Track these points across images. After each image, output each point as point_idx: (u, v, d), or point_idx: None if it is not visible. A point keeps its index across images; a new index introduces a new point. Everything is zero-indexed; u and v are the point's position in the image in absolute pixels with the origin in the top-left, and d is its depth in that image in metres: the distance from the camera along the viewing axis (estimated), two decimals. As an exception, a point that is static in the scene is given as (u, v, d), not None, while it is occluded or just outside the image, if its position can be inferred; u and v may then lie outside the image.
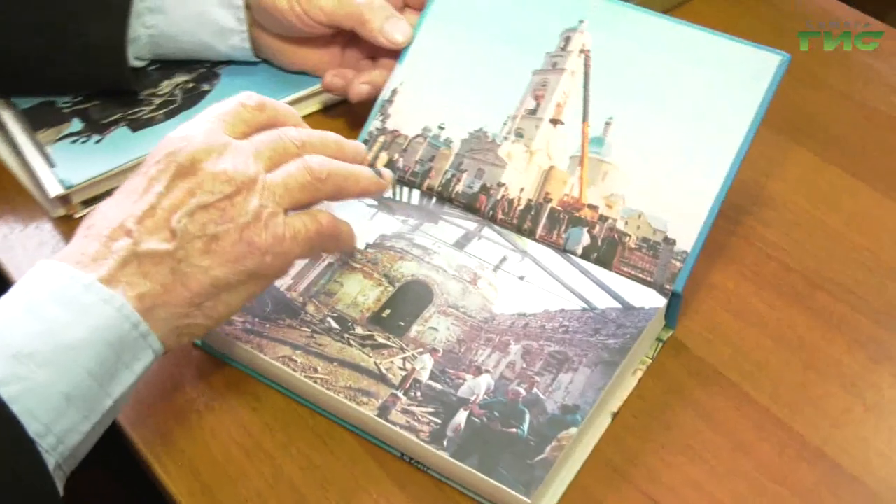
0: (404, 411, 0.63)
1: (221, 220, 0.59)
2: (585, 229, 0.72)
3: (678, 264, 0.68)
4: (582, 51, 0.76)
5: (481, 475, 0.60)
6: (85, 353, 0.55)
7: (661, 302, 0.68)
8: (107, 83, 0.86)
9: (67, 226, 0.81)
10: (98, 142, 0.83)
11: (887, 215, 0.79)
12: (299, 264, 0.73)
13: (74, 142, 0.83)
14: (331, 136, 0.68)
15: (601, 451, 0.65)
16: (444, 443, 0.62)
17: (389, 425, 0.63)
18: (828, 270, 0.75)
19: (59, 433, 0.55)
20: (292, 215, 0.63)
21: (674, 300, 0.69)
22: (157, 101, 0.86)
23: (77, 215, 0.81)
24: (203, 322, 0.61)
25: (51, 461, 0.55)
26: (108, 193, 0.80)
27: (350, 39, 0.88)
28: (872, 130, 0.86)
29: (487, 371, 0.66)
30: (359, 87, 0.83)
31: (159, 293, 0.58)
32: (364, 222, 0.76)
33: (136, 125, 0.84)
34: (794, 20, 0.99)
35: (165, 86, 0.88)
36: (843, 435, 0.65)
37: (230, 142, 0.62)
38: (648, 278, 0.69)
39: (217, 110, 0.64)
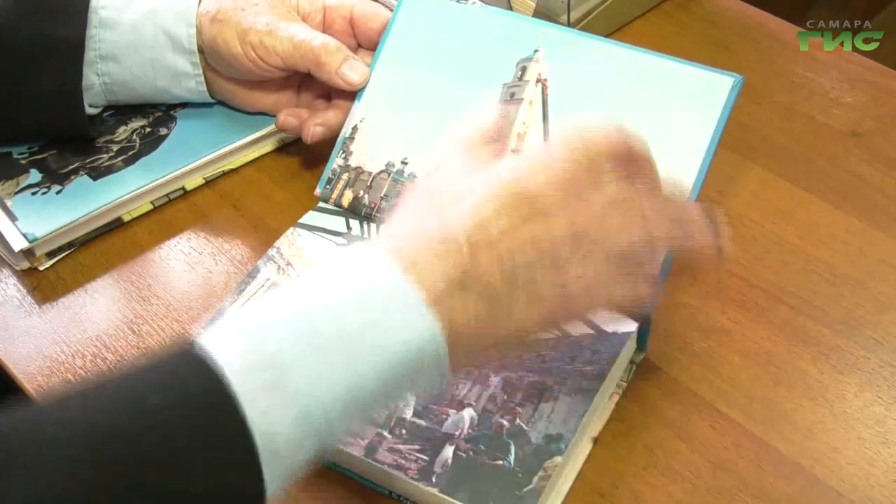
0: (391, 450, 0.64)
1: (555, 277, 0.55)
2: (554, 258, 0.73)
3: (647, 288, 0.70)
4: (539, 80, 0.78)
5: (472, 510, 0.61)
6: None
7: (632, 326, 0.70)
8: (63, 132, 0.85)
9: (33, 278, 0.80)
10: (59, 192, 0.82)
11: (838, 226, 0.82)
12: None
13: (35, 193, 0.82)
14: None
15: (586, 476, 0.66)
16: (433, 479, 0.62)
17: (377, 464, 0.63)
18: (787, 284, 0.77)
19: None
20: None
21: (645, 323, 0.70)
22: (116, 147, 0.86)
23: (42, 267, 0.81)
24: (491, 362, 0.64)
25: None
26: (72, 244, 0.80)
27: (305, 79, 0.88)
28: (818, 143, 0.89)
29: (470, 405, 0.67)
30: (313, 129, 0.83)
31: (475, 325, 0.53)
32: (335, 261, 0.76)
33: (97, 174, 0.84)
34: (734, 35, 1.02)
35: (122, 131, 0.88)
36: (815, 446, 0.67)
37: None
38: (619, 303, 0.71)
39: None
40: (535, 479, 0.62)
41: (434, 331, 0.51)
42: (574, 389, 0.66)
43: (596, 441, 0.68)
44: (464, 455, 0.64)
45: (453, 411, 0.66)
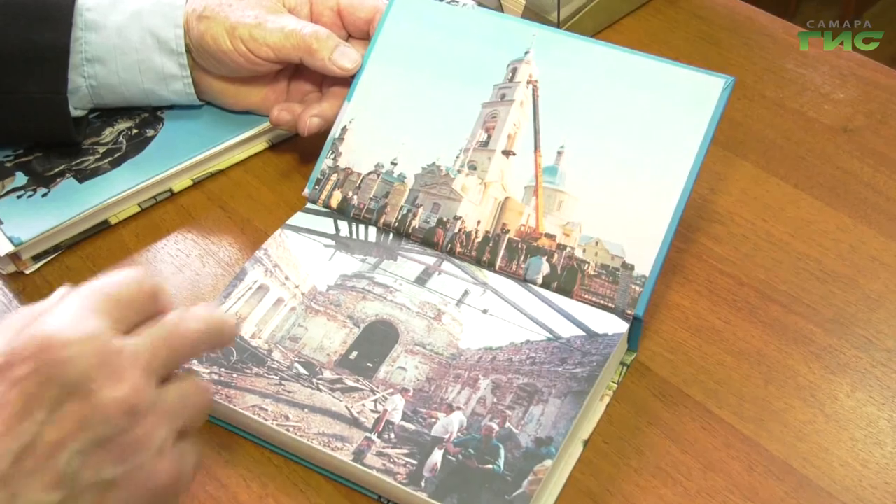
0: (379, 454, 0.64)
1: (120, 459, 0.48)
2: (544, 258, 0.73)
3: (638, 289, 0.70)
4: (529, 81, 0.77)
5: (462, 515, 0.60)
6: None
7: (623, 327, 0.69)
8: (48, 137, 0.85)
9: (19, 282, 0.80)
10: (45, 195, 0.82)
11: (828, 223, 0.81)
12: (261, 310, 0.72)
13: (20, 196, 0.82)
14: (216, 317, 0.56)
15: (576, 479, 0.66)
16: (422, 483, 0.62)
17: (366, 469, 0.63)
18: (778, 282, 0.77)
19: None
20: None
21: (635, 324, 0.70)
22: (102, 149, 0.85)
23: (28, 271, 0.80)
24: None
25: None
26: (58, 247, 0.80)
27: (294, 74, 0.88)
28: (808, 139, 0.89)
29: (459, 408, 0.66)
30: (310, 121, 0.83)
31: None
32: (323, 263, 0.76)
33: (83, 176, 0.83)
34: (723, 30, 1.01)
35: (108, 133, 0.87)
36: (807, 447, 0.67)
37: (122, 349, 0.49)
38: (609, 304, 0.70)
39: (106, 291, 0.51)
40: (525, 483, 0.61)
41: None
42: (564, 392, 0.66)
43: (586, 443, 0.67)
44: (453, 459, 0.63)
45: (442, 415, 0.66)
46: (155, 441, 0.49)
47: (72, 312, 0.49)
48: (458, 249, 0.75)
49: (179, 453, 0.52)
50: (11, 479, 0.45)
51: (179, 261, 0.81)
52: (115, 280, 0.52)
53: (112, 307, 0.50)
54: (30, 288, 0.79)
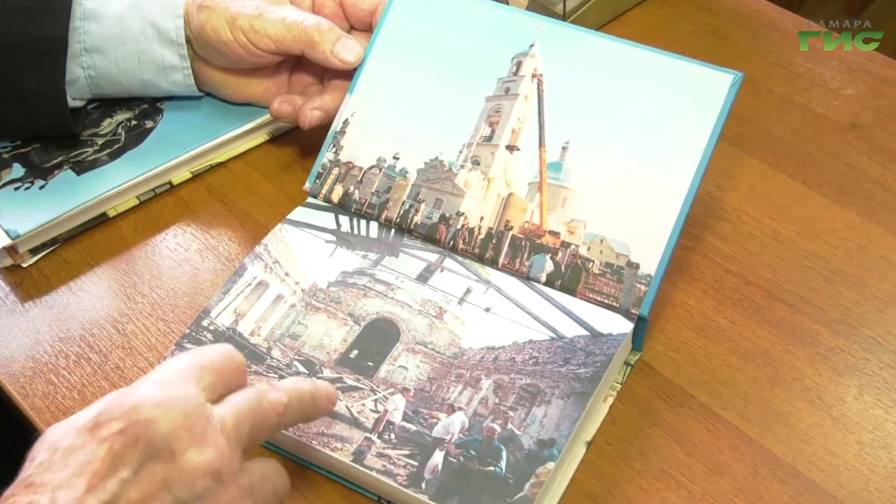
0: (380, 455, 0.63)
1: None
2: (548, 256, 0.72)
3: (643, 288, 0.69)
4: (534, 75, 0.76)
5: (463, 517, 0.59)
6: None
7: (627, 327, 0.68)
8: (47, 130, 0.84)
9: (16, 276, 0.79)
10: (42, 187, 0.81)
11: (836, 221, 0.80)
12: (261, 307, 0.72)
13: (17, 189, 0.81)
14: (306, 389, 0.57)
15: (579, 481, 0.65)
16: (423, 485, 0.61)
17: (366, 470, 0.62)
18: (785, 281, 0.76)
19: None
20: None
21: (640, 324, 0.69)
22: (100, 141, 0.84)
23: (25, 264, 0.79)
24: None
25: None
26: (56, 240, 0.79)
27: (296, 66, 0.87)
28: (817, 135, 0.87)
29: (461, 408, 0.65)
30: (310, 114, 0.82)
31: None
32: (324, 260, 0.75)
33: (81, 168, 0.82)
34: (731, 24, 1.00)
35: (107, 124, 0.86)
36: (813, 450, 0.66)
37: (210, 415, 0.50)
38: (614, 303, 0.69)
39: (198, 360, 0.53)
40: (527, 486, 0.61)
41: None
42: (567, 392, 0.65)
43: (589, 445, 0.66)
44: (454, 461, 0.62)
45: (444, 415, 0.65)
46: None
47: (163, 378, 0.51)
48: (461, 246, 0.74)
49: None
50: None
51: (178, 255, 0.80)
52: (207, 351, 0.54)
53: (203, 375, 0.52)
54: (27, 282, 0.78)
